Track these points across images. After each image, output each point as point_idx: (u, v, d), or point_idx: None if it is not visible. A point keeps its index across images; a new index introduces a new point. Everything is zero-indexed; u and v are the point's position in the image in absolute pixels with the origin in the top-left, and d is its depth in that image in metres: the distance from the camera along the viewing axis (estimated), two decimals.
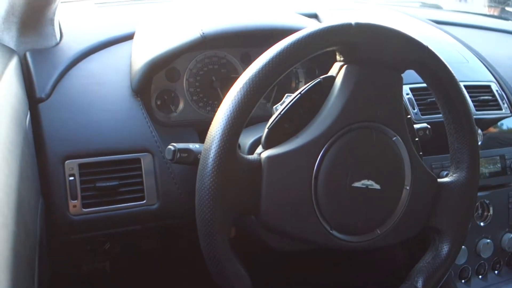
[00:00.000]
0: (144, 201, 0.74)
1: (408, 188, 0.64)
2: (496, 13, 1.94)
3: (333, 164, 0.58)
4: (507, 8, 1.83)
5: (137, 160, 0.74)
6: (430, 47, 0.63)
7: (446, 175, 0.70)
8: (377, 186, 0.61)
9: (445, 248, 0.68)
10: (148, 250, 1.00)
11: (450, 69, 0.64)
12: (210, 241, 0.53)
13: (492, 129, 1.02)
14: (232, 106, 0.53)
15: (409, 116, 0.70)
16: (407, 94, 0.94)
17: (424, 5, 1.66)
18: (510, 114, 1.06)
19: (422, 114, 0.93)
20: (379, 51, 0.60)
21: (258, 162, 0.56)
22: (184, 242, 0.63)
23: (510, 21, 1.66)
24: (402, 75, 0.64)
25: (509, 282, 0.98)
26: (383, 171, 0.62)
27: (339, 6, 1.38)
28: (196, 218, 0.53)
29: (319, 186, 0.58)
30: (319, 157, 0.58)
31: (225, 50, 0.88)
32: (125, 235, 0.80)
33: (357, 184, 0.60)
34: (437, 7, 1.66)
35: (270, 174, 0.56)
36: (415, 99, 0.94)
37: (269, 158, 0.56)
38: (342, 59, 0.60)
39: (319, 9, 1.13)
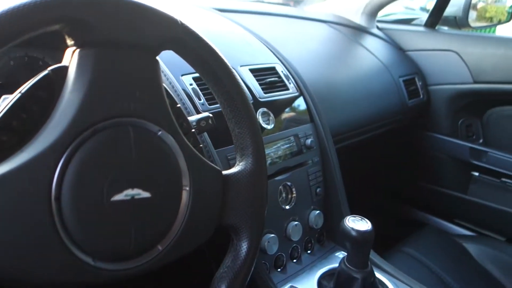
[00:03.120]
0: None
1: (188, 188, 0.54)
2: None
3: (80, 178, 0.45)
4: None
5: None
6: (184, 22, 0.54)
7: None
8: (147, 194, 0.50)
9: (244, 246, 0.61)
10: None
11: (212, 46, 0.56)
12: None
13: (283, 110, 1.01)
14: None
15: (178, 106, 0.61)
16: (191, 84, 0.86)
17: None
18: (297, 93, 1.06)
19: (209, 104, 0.86)
20: (120, 29, 0.48)
21: None
22: None
23: (290, 7, 1.74)
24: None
25: (321, 259, 0.97)
26: (151, 174, 0.50)
27: None
28: None
29: (66, 211, 0.44)
30: (57, 172, 0.44)
31: None
32: None
33: (118, 197, 0.47)
34: None
35: None
36: (199, 89, 0.86)
37: None
38: (72, 42, 0.47)
39: None
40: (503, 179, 1.55)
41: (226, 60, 0.58)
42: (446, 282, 1.17)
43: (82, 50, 0.46)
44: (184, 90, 0.84)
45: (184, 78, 0.86)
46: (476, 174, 1.62)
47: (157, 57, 0.53)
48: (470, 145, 1.59)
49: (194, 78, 0.87)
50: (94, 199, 0.46)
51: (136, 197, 0.49)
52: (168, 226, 0.53)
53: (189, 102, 0.83)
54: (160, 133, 0.52)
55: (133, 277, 0.51)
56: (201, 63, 0.57)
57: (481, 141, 1.63)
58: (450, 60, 1.58)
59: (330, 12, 1.70)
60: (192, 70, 0.86)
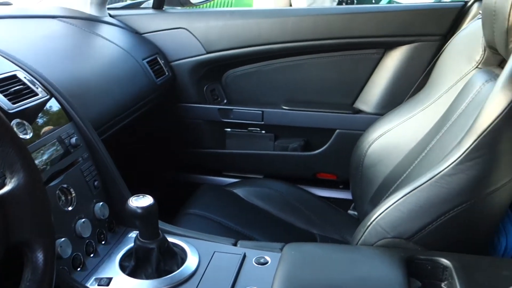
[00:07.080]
0: None
1: None
2: None
3: None
4: None
5: None
6: None
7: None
8: None
9: (39, 256, 0.62)
10: None
11: None
12: None
13: (38, 116, 0.99)
14: None
15: None
16: None
17: None
18: (48, 96, 1.05)
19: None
20: None
21: None
22: None
23: (10, 6, 1.62)
24: None
25: (117, 244, 1.02)
26: None
27: None
28: None
29: None
30: None
31: None
32: None
33: None
34: None
35: None
36: None
37: None
38: None
39: None
40: (249, 128, 1.84)
41: None
42: (228, 226, 1.37)
43: None
44: None
45: None
46: (229, 130, 1.88)
47: None
48: (217, 106, 1.83)
49: None
50: None
51: None
52: None
53: None
54: None
55: None
56: None
57: (225, 101, 1.89)
58: (182, 37, 1.75)
59: (57, 6, 1.65)
60: None
